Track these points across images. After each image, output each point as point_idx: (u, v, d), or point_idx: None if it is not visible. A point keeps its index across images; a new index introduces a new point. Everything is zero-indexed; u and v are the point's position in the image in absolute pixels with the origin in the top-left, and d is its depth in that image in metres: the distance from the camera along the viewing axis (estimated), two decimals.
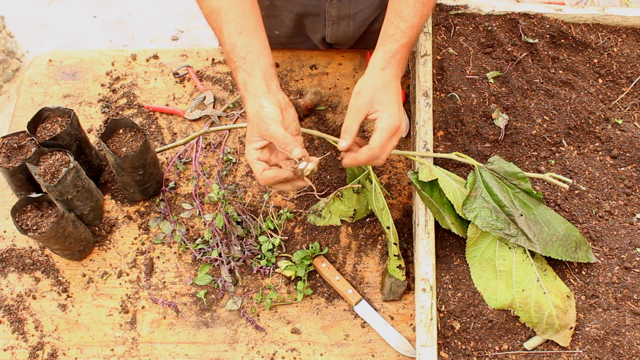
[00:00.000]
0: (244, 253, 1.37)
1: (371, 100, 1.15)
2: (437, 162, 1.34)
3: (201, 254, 1.38)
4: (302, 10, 1.54)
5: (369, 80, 1.17)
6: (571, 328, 1.17)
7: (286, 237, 1.40)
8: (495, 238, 1.21)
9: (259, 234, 1.40)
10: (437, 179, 1.24)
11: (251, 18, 1.24)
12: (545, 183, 1.33)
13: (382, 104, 1.15)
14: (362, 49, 1.66)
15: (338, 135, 1.20)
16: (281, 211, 1.42)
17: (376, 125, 1.15)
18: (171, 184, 1.47)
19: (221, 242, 1.38)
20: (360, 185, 1.37)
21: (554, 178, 1.22)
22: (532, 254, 1.21)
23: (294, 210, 1.44)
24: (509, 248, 1.21)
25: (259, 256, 1.38)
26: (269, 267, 1.36)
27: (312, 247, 1.37)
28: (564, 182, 1.21)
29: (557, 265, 1.23)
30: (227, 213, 1.39)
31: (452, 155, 1.26)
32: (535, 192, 1.24)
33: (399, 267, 1.30)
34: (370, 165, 1.26)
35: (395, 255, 1.30)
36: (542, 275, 1.19)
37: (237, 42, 1.20)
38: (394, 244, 1.30)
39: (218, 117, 1.57)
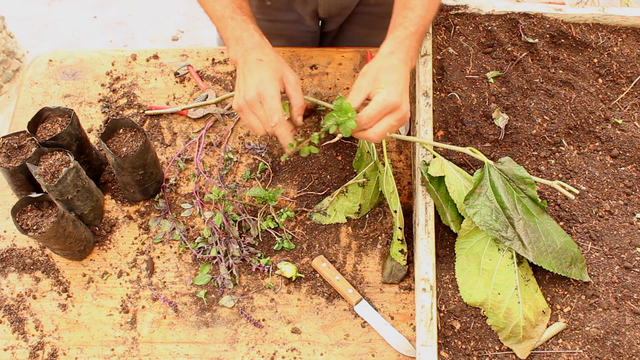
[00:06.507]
0: (242, 252, 1.37)
1: (375, 79, 1.12)
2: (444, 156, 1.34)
3: (201, 252, 1.38)
4: None
5: (376, 62, 1.15)
6: (535, 342, 1.16)
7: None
8: (487, 236, 1.21)
9: (258, 234, 1.40)
10: (444, 176, 1.23)
11: None
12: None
13: (384, 83, 1.12)
14: (362, 47, 1.66)
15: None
16: (281, 210, 1.42)
17: (371, 98, 1.13)
18: (172, 181, 1.47)
19: (220, 241, 1.38)
20: (365, 180, 1.37)
21: (562, 187, 1.21)
22: (519, 262, 1.20)
23: (294, 210, 1.44)
24: (498, 250, 1.20)
25: (259, 255, 1.38)
26: (268, 266, 1.36)
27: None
28: (571, 192, 1.20)
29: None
30: (226, 212, 1.39)
31: (467, 150, 1.25)
32: (540, 200, 1.23)
33: (401, 251, 1.31)
34: (373, 143, 1.26)
35: (398, 240, 1.30)
36: (522, 285, 1.19)
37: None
38: (399, 228, 1.30)
39: (222, 115, 1.57)
